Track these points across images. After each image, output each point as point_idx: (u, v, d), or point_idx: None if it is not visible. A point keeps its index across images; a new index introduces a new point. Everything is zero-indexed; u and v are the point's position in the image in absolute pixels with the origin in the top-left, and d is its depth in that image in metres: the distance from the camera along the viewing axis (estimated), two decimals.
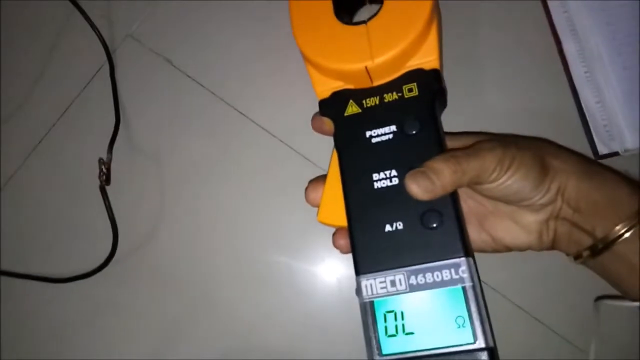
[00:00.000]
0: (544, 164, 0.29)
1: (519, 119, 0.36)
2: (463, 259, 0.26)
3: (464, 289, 0.26)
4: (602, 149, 0.37)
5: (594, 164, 0.30)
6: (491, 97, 0.37)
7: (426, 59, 0.29)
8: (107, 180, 0.36)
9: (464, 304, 0.26)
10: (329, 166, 0.31)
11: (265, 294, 0.38)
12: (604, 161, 0.37)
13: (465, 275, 0.26)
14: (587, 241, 0.29)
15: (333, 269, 0.37)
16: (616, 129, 0.36)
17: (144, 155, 0.39)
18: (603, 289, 0.31)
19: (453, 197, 0.28)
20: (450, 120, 0.32)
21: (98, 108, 0.40)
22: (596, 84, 0.37)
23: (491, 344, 0.25)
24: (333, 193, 0.30)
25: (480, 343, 0.25)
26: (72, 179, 0.40)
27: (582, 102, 0.37)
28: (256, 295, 0.38)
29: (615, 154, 0.36)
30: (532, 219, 0.30)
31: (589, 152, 0.37)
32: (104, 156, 0.37)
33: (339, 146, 0.30)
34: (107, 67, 0.40)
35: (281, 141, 0.38)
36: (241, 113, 0.39)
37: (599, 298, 0.33)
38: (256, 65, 0.39)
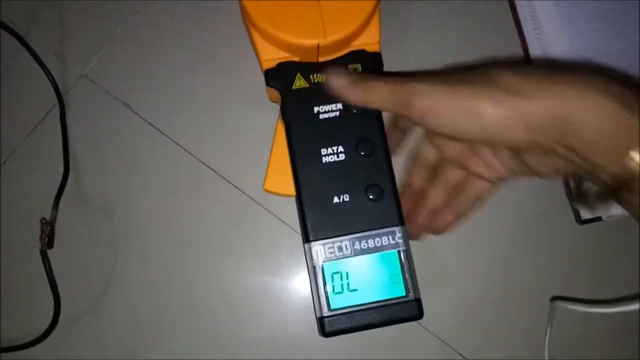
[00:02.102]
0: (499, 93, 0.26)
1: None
2: (399, 227, 0.31)
3: (398, 252, 0.31)
4: (585, 214, 0.35)
5: (567, 79, 0.25)
6: None
7: (369, 40, 0.34)
8: (50, 244, 0.33)
9: (399, 265, 0.31)
10: (274, 135, 0.34)
11: None
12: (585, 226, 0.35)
13: (401, 241, 0.31)
14: (596, 182, 0.26)
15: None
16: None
17: (96, 210, 0.37)
18: None
19: (391, 174, 0.32)
20: None
21: (45, 157, 0.37)
22: None
23: (418, 296, 0.31)
24: (279, 163, 0.33)
25: (411, 296, 0.31)
26: (11, 239, 0.36)
27: None
28: None
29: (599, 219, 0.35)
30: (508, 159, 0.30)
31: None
32: (49, 211, 0.33)
33: (287, 119, 0.33)
34: (57, 110, 0.37)
35: (250, 197, 0.37)
36: (206, 165, 0.37)
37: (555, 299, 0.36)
38: (225, 116, 0.38)
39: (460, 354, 0.37)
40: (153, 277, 0.36)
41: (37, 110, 0.38)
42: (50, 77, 0.36)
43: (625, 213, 0.25)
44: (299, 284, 0.37)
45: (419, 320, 0.33)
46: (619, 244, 0.37)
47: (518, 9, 0.38)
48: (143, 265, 0.36)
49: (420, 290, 0.31)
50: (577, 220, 0.36)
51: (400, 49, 0.38)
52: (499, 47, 0.39)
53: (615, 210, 0.35)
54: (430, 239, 0.35)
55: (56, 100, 0.37)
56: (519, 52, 0.38)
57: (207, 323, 0.36)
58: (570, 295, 0.37)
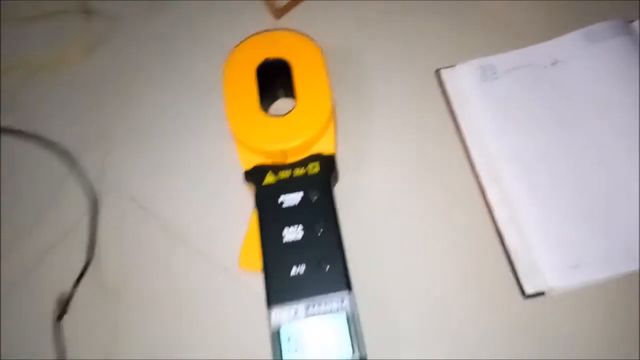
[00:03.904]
0: None
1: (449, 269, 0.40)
2: (346, 292, 0.36)
3: (346, 314, 0.35)
4: (529, 289, 0.38)
5: None
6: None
7: (326, 146, 0.42)
8: (63, 313, 0.40)
9: (347, 326, 0.35)
10: (249, 221, 0.40)
11: None
12: (531, 300, 0.38)
13: (347, 305, 0.35)
14: None
15: None
16: (539, 270, 0.38)
17: (106, 290, 0.42)
18: None
19: (340, 248, 0.37)
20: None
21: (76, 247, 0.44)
22: (519, 228, 0.39)
23: (364, 355, 0.34)
24: (251, 244, 0.39)
25: (357, 355, 0.34)
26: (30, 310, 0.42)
27: (506, 245, 0.40)
28: None
29: (542, 293, 0.38)
30: None
31: (517, 293, 0.38)
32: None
33: (258, 208, 0.40)
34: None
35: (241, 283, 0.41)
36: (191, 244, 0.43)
37: None
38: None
39: None
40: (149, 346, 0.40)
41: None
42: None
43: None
44: None
45: None
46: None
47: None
48: (140, 336, 0.40)
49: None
50: (522, 295, 0.38)
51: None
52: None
53: (553, 283, 0.38)
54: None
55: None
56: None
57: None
58: None
